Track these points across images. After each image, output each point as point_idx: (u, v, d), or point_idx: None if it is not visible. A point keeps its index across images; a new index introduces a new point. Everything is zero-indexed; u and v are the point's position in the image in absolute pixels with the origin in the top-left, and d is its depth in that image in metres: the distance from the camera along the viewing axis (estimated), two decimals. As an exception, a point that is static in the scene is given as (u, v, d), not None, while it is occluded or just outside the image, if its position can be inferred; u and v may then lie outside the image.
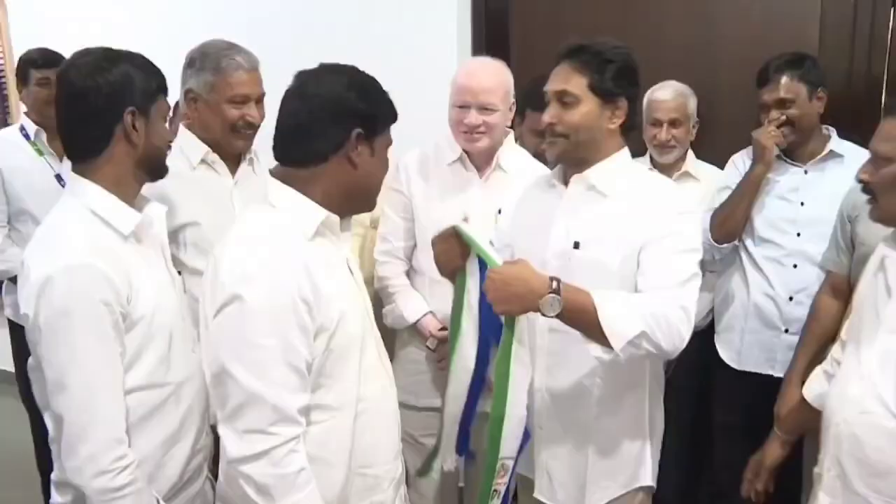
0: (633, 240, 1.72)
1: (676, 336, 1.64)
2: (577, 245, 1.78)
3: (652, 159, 2.78)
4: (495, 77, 2.24)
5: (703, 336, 2.67)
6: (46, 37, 3.07)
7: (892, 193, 1.59)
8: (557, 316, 1.57)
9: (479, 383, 1.82)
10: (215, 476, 1.65)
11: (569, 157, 1.80)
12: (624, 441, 1.85)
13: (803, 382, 2.03)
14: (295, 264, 1.40)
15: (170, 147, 1.74)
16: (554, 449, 1.89)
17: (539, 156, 2.50)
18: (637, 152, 2.82)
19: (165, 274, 1.67)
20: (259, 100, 2.12)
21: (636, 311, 1.60)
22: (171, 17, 3.27)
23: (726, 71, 2.62)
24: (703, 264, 1.91)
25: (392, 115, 1.55)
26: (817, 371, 1.90)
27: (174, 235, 2.06)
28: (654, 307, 1.62)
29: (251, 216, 1.53)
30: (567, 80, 1.75)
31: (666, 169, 2.76)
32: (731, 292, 2.57)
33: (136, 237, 1.59)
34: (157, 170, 1.66)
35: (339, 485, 1.51)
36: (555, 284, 1.57)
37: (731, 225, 2.48)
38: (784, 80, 2.41)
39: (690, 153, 2.78)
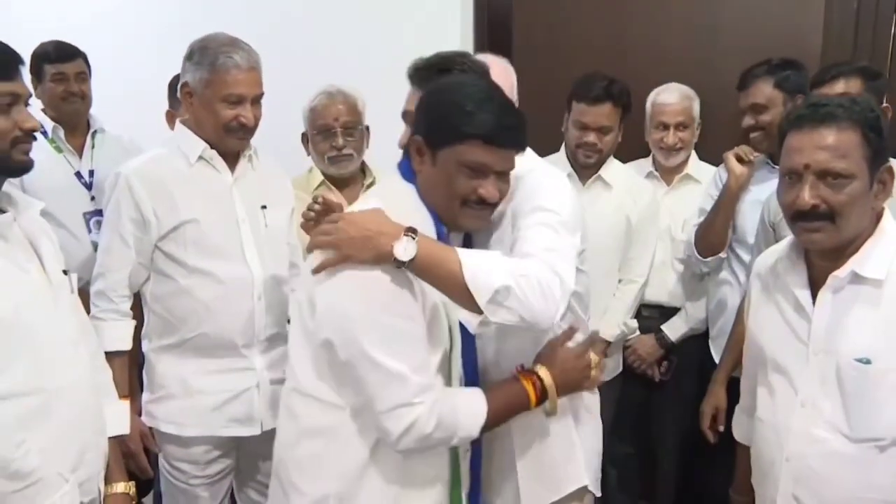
0: None
1: (550, 298, 1.45)
2: None
3: (654, 161, 2.80)
4: (507, 75, 2.19)
5: (702, 340, 2.68)
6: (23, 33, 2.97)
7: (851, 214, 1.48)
8: (411, 265, 1.42)
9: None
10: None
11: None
12: (547, 441, 1.72)
13: (729, 379, 2.20)
14: None
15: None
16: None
17: (579, 147, 2.53)
18: (640, 154, 2.84)
19: (35, 273, 1.54)
20: (255, 100, 2.06)
21: (503, 267, 1.45)
22: (158, 11, 3.24)
23: (728, 73, 2.62)
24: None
25: (470, 132, 1.46)
26: (737, 413, 1.87)
27: (174, 234, 2.05)
28: (524, 266, 1.46)
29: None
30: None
31: (668, 171, 2.79)
32: (724, 298, 2.58)
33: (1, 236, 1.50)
34: None
35: None
36: (411, 232, 1.43)
37: (711, 239, 2.51)
38: (760, 85, 2.43)
39: (693, 155, 2.79)
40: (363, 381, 1.45)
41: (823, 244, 1.50)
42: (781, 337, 1.60)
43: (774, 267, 1.64)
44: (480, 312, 1.46)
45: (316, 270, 1.46)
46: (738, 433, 1.87)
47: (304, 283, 1.56)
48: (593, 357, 1.61)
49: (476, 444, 1.67)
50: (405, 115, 1.78)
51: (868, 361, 1.48)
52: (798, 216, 1.50)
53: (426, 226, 1.52)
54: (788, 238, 1.62)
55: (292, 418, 1.58)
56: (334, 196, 2.54)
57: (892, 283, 1.49)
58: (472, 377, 1.65)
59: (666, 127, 2.69)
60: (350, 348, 1.44)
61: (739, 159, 2.43)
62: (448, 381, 1.56)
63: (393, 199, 1.54)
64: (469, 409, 1.51)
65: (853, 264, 1.50)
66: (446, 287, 1.47)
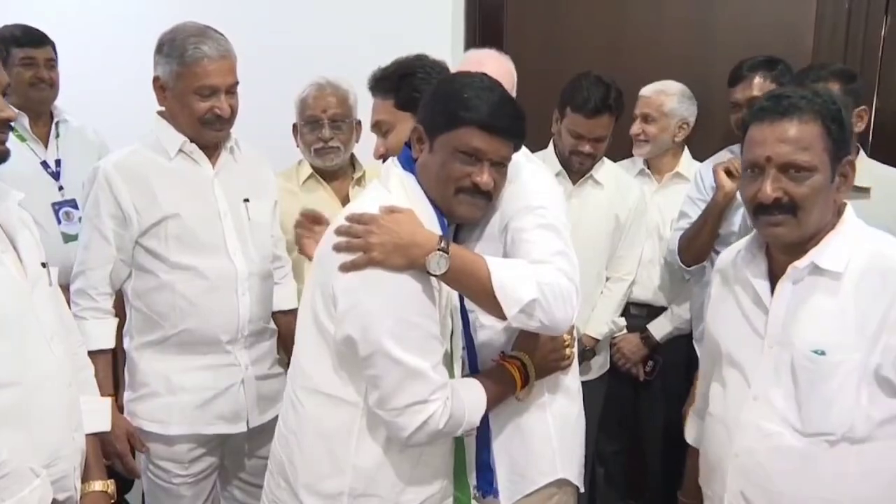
0: None
1: (569, 306, 1.49)
2: None
3: (645, 159, 2.81)
4: (504, 67, 2.13)
5: (690, 339, 2.68)
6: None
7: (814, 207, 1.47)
8: (444, 277, 1.46)
9: None
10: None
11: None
12: (526, 431, 1.71)
13: None
14: None
15: None
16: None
17: (574, 154, 2.52)
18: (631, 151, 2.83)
19: (10, 265, 1.49)
20: (230, 90, 2.00)
21: (530, 278, 1.47)
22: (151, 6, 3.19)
23: (720, 71, 2.61)
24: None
25: (466, 118, 1.47)
26: (690, 415, 1.85)
27: (155, 229, 2.00)
28: (545, 275, 1.49)
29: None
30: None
31: (660, 169, 2.78)
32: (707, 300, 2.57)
33: None
34: None
35: None
36: (443, 243, 1.46)
37: (695, 249, 2.48)
38: (757, 79, 2.42)
39: (686, 154, 2.77)
40: (381, 378, 1.46)
41: (785, 238, 1.49)
42: (738, 330, 1.59)
43: (735, 260, 1.63)
44: (504, 318, 1.48)
45: (344, 269, 1.47)
46: (690, 436, 1.84)
47: (316, 280, 1.55)
48: (565, 336, 1.65)
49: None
50: (374, 126, 1.78)
51: (822, 353, 1.46)
52: (760, 209, 1.49)
53: (430, 218, 1.53)
54: (752, 233, 1.61)
55: (302, 418, 1.57)
56: (323, 188, 2.54)
57: (850, 276, 1.48)
58: (472, 356, 1.68)
59: (635, 117, 2.71)
60: (372, 345, 1.45)
61: (729, 173, 2.38)
62: (449, 366, 1.57)
63: (398, 191, 1.56)
64: (473, 402, 1.54)
65: (813, 255, 1.49)
66: (474, 295, 1.52)
